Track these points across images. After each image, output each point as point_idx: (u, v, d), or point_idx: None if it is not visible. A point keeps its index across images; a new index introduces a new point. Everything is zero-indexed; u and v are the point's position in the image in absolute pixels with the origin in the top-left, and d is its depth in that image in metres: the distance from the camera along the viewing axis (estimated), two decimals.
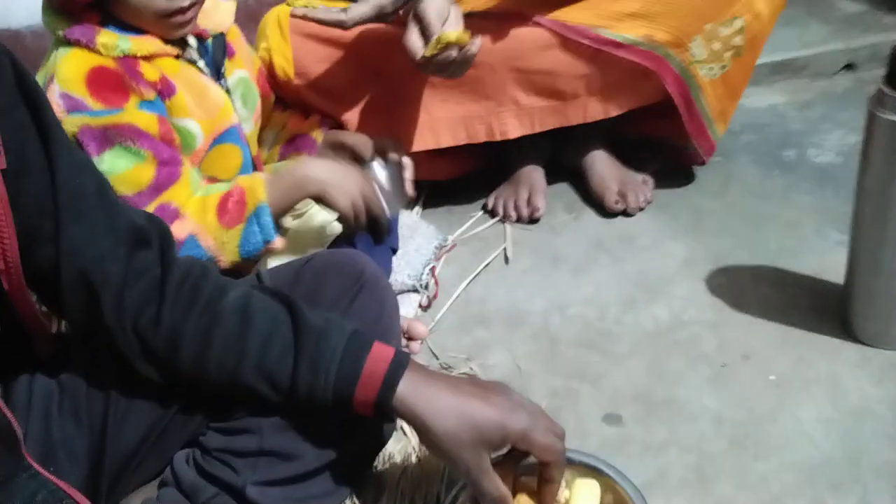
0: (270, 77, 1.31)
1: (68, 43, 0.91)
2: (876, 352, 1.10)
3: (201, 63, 1.03)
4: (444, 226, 1.49)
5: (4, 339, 0.73)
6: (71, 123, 0.89)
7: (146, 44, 0.95)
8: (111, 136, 0.90)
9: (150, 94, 0.95)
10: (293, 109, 1.30)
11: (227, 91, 1.07)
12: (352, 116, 1.35)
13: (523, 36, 1.30)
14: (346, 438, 0.79)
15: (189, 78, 1.01)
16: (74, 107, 0.89)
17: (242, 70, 1.12)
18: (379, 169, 1.20)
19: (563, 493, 0.79)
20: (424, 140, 1.37)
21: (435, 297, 1.31)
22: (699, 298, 1.25)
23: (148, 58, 0.96)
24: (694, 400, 1.07)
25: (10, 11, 1.60)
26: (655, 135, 1.54)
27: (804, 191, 1.46)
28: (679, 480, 0.95)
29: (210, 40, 1.07)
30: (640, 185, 1.48)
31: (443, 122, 1.37)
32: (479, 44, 1.15)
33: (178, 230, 0.94)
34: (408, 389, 0.70)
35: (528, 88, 1.35)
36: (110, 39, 0.92)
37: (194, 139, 1.00)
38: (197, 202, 0.98)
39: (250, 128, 1.13)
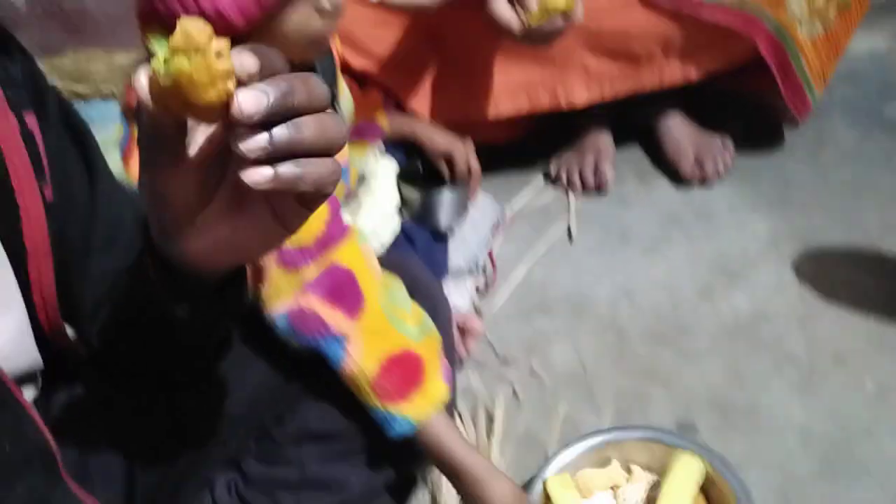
0: None
1: None
2: None
3: None
4: (502, 195, 1.38)
5: (44, 358, 0.71)
6: None
7: None
8: None
9: None
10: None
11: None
12: (407, 86, 1.24)
13: None
14: (388, 464, 0.77)
15: None
16: None
17: (345, 85, 1.01)
18: (448, 192, 1.16)
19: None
20: (482, 109, 1.26)
21: (493, 280, 1.23)
22: (786, 287, 1.13)
23: None
24: (778, 409, 0.98)
25: None
26: (738, 89, 1.39)
27: None
28: None
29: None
30: (719, 148, 1.35)
31: (503, 88, 1.25)
32: (582, 9, 1.01)
33: (341, 324, 0.73)
34: None
35: (597, 51, 1.21)
36: None
37: None
38: (376, 321, 0.75)
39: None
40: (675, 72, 1.24)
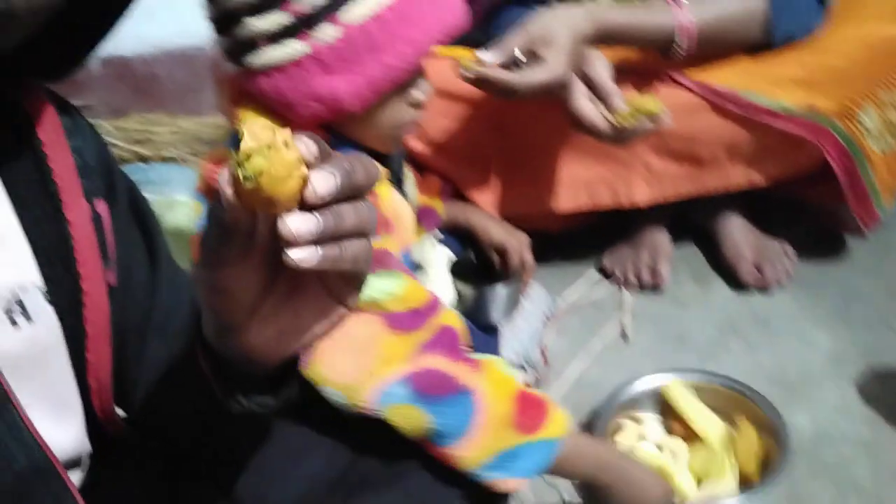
0: None
1: None
2: None
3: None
4: (554, 285, 1.37)
5: (92, 441, 0.70)
6: None
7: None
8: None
9: (381, 230, 0.82)
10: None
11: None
12: (468, 175, 1.25)
13: (661, 95, 1.15)
14: None
15: (393, 205, 0.87)
16: None
17: (409, 170, 1.01)
18: (501, 288, 1.15)
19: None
20: (542, 203, 1.26)
21: (545, 376, 1.20)
22: (849, 407, 1.09)
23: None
24: None
25: (119, 38, 1.57)
26: (801, 196, 1.37)
27: None
28: None
29: None
30: (779, 255, 1.32)
31: (564, 183, 1.24)
32: (669, 112, 1.02)
33: (462, 374, 0.74)
34: None
35: (662, 152, 1.21)
36: None
37: None
38: (501, 374, 0.78)
39: None
40: (739, 176, 1.23)
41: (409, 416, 0.73)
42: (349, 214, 0.39)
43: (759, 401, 1.02)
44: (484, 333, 1.13)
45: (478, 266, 1.21)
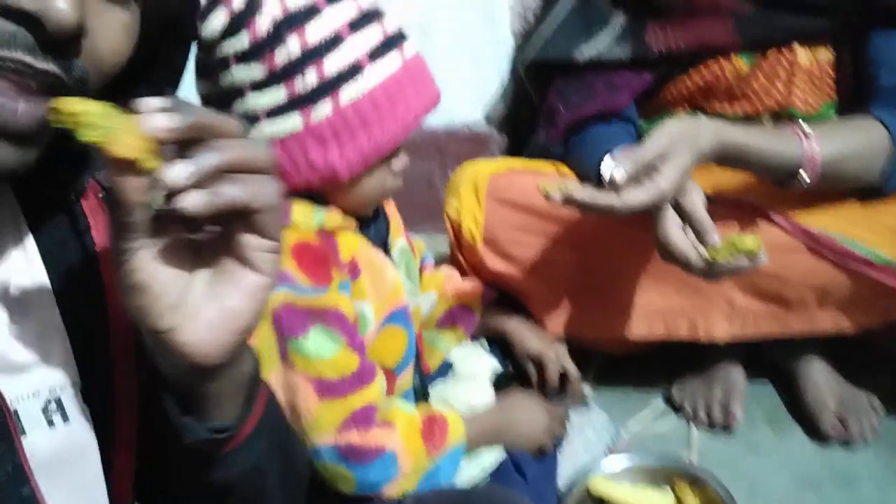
0: (454, 238, 1.21)
1: None
2: None
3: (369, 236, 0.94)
4: (617, 413, 1.30)
5: None
6: (272, 297, 0.79)
7: (334, 216, 0.87)
8: (315, 317, 0.82)
9: (346, 276, 0.86)
10: (450, 271, 1.19)
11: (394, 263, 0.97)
12: (540, 292, 1.21)
13: (752, 231, 1.11)
14: None
15: (367, 255, 0.91)
16: (280, 279, 0.80)
17: (401, 239, 1.02)
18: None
19: None
20: (614, 327, 1.21)
21: None
22: None
23: (337, 233, 0.88)
24: None
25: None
26: (891, 344, 1.29)
27: None
28: None
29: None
30: (865, 407, 1.24)
31: (640, 311, 1.20)
32: (766, 252, 0.95)
33: (385, 439, 0.84)
34: None
35: (747, 289, 1.15)
36: (306, 211, 0.85)
37: (366, 325, 0.90)
38: (406, 418, 0.88)
39: (415, 303, 1.02)
40: (826, 322, 1.16)
41: (337, 474, 0.83)
42: (224, 151, 0.42)
43: (697, 471, 1.10)
44: (536, 460, 1.06)
45: (518, 382, 1.15)
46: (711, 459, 1.21)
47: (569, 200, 0.94)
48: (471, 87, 1.63)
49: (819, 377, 1.27)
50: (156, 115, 0.41)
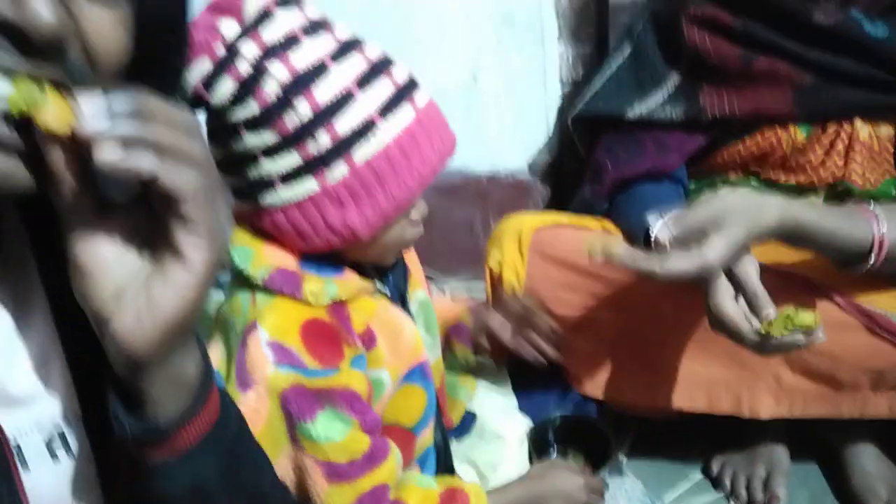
0: (492, 289, 1.18)
1: (266, 290, 0.80)
2: None
3: (386, 290, 0.90)
4: (654, 485, 1.25)
5: None
6: (281, 378, 0.77)
7: (350, 284, 0.84)
8: (324, 399, 0.78)
9: (360, 349, 0.83)
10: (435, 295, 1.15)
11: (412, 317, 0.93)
12: (580, 353, 1.17)
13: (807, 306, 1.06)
14: None
15: (384, 317, 0.87)
16: (288, 360, 0.78)
17: (421, 290, 0.98)
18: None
19: None
20: (653, 394, 1.16)
21: None
22: None
23: (352, 301, 0.84)
24: None
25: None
26: None
27: None
28: None
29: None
30: None
31: (682, 381, 1.15)
32: (824, 331, 0.90)
33: None
34: None
35: (796, 367, 1.10)
36: (318, 286, 0.81)
37: (382, 391, 0.86)
38: (421, 495, 0.84)
39: (435, 356, 0.98)
40: (880, 406, 1.10)
41: None
42: (151, 126, 0.43)
43: None
44: None
45: (558, 440, 1.10)
46: None
47: (610, 259, 0.90)
48: (516, 134, 1.62)
49: (869, 462, 1.20)
50: (93, 120, 0.43)
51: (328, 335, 0.80)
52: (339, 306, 0.82)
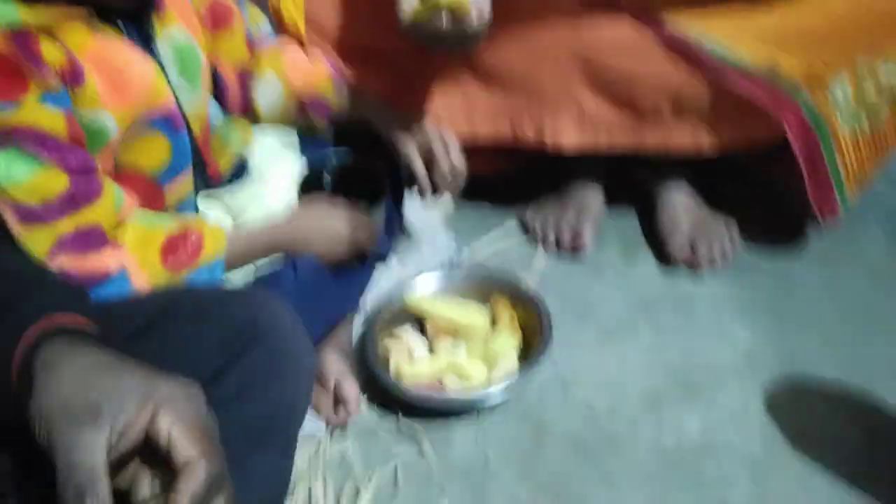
0: (278, 24, 1.06)
1: None
2: None
3: (120, 25, 0.77)
4: (468, 231, 1.22)
5: None
6: None
7: (43, 11, 0.71)
8: (4, 137, 0.69)
9: (55, 83, 0.72)
10: (293, 52, 1.02)
11: (158, 60, 0.82)
12: (372, 79, 1.08)
13: (605, 25, 0.98)
14: None
15: (104, 52, 0.76)
16: None
17: (177, 28, 0.85)
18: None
19: None
20: (457, 123, 1.09)
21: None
22: (748, 418, 0.94)
23: (47, 30, 0.72)
24: None
25: None
26: (763, 170, 1.20)
27: None
28: None
29: None
30: (720, 233, 1.16)
31: (482, 107, 1.08)
32: (486, 18, 0.84)
33: (108, 260, 0.75)
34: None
35: (597, 90, 1.04)
36: None
37: (105, 136, 0.77)
38: (137, 232, 0.78)
39: (195, 102, 0.87)
40: (683, 137, 1.06)
41: None
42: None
43: (520, 289, 1.07)
44: (333, 278, 0.96)
45: (334, 185, 1.03)
46: (551, 281, 1.14)
47: None
48: None
49: (677, 201, 1.18)
50: None
51: (4, 65, 0.69)
52: (23, 35, 0.70)
